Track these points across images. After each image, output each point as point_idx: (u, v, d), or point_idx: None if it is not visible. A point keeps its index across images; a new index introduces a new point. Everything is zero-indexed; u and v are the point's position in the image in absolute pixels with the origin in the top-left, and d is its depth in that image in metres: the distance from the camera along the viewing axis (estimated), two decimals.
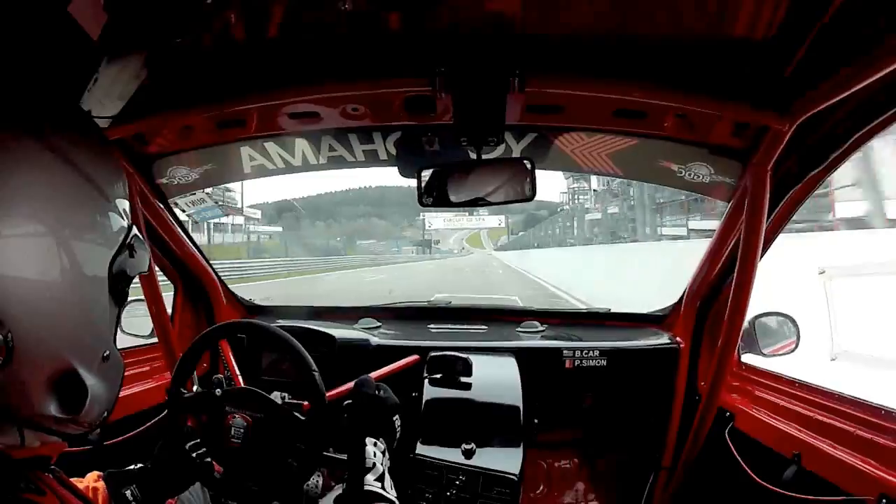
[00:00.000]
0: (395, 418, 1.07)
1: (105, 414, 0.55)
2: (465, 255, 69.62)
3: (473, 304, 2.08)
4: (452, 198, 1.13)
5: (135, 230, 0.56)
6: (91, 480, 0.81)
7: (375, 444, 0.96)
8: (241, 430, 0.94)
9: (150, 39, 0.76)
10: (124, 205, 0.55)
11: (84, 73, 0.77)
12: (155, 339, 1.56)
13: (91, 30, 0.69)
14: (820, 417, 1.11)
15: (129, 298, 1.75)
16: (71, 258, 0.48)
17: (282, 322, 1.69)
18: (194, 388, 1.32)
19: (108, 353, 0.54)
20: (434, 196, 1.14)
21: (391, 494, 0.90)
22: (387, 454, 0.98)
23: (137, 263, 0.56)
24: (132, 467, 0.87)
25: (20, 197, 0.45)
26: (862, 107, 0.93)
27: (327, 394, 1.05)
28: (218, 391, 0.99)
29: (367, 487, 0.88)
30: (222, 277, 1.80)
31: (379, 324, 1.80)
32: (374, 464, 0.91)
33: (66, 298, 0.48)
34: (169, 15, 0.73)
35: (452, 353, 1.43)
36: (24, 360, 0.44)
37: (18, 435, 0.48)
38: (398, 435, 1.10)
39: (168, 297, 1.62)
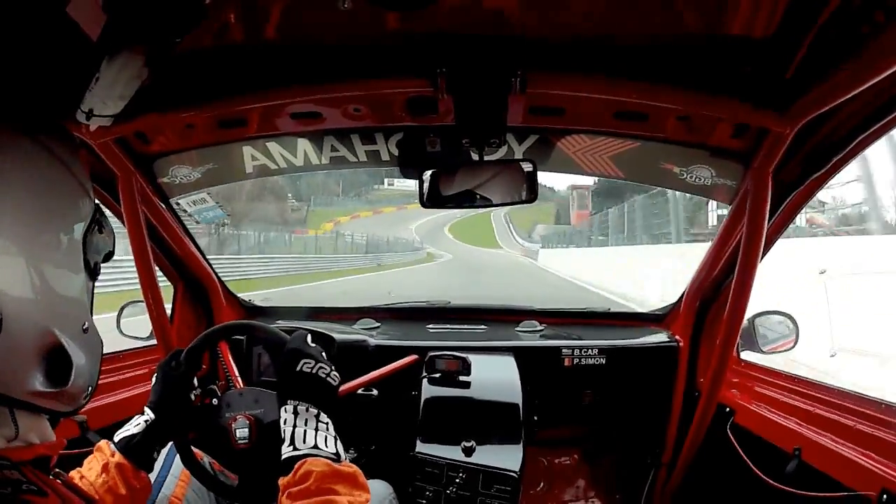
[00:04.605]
0: (322, 373, 0.85)
1: (89, 389, 0.57)
2: (423, 261, 30.93)
3: (472, 304, 2.07)
4: (453, 199, 1.13)
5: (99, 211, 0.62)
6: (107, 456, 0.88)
7: (296, 412, 0.81)
8: (246, 431, 0.94)
9: (150, 39, 0.75)
10: (89, 188, 0.61)
11: (84, 73, 0.76)
12: (154, 342, 1.55)
13: (90, 30, 0.69)
14: (820, 412, 1.12)
15: (129, 300, 1.72)
16: (52, 233, 0.53)
17: (282, 323, 1.69)
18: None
19: (87, 325, 0.57)
20: (435, 197, 1.14)
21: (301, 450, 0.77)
22: (321, 423, 0.82)
23: (106, 239, 0.61)
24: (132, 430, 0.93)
25: (7, 181, 0.49)
26: (864, 109, 0.93)
27: None
28: (215, 400, 0.99)
29: (283, 456, 0.77)
30: None
31: (378, 324, 1.80)
32: (285, 432, 0.79)
33: (48, 271, 0.52)
34: (169, 15, 0.72)
35: (451, 352, 1.43)
36: (12, 334, 0.46)
37: (12, 421, 0.50)
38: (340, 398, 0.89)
39: (167, 297, 1.61)
